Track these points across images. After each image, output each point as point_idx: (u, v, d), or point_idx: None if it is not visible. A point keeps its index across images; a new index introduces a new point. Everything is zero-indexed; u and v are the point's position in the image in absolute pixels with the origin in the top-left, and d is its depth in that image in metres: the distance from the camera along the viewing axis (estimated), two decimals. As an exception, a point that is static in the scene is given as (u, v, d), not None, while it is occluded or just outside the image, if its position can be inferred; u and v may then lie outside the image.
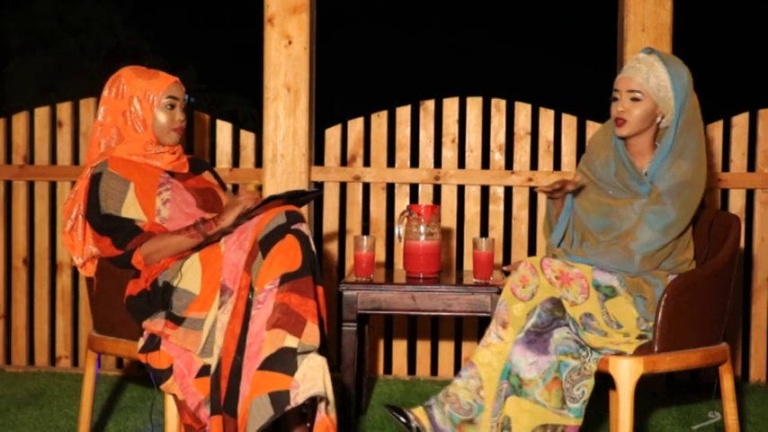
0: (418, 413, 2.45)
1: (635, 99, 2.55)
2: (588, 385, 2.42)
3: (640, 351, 2.42)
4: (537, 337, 2.46)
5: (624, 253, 2.49)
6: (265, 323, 2.22)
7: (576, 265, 2.52)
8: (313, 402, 2.24)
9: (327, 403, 2.22)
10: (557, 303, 2.47)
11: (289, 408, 2.14)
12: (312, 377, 2.16)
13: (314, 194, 2.60)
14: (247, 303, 2.28)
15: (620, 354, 2.42)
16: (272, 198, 2.41)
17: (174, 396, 2.37)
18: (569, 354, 2.46)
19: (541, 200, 3.82)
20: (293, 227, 2.33)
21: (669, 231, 2.50)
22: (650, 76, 2.54)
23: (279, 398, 2.14)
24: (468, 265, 3.78)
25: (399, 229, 3.06)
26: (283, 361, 2.17)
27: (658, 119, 2.58)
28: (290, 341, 2.19)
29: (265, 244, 2.30)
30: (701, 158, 2.56)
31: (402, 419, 2.44)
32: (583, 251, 2.55)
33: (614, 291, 2.50)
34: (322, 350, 2.25)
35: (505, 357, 2.46)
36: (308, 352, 2.20)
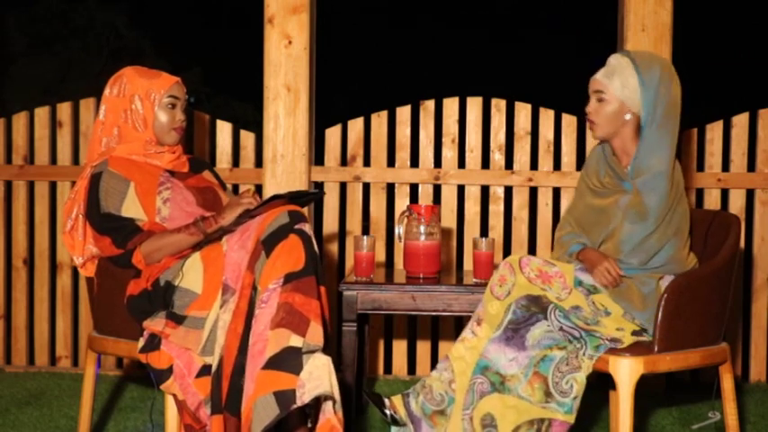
0: (396, 401, 2.57)
1: (600, 99, 2.59)
2: (578, 379, 2.42)
3: (640, 351, 2.43)
4: (514, 334, 2.50)
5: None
6: (269, 322, 2.22)
7: (557, 264, 2.57)
8: (316, 402, 2.24)
9: (335, 402, 2.22)
10: (533, 300, 2.50)
11: (294, 407, 2.13)
12: (318, 376, 2.16)
13: (316, 195, 2.60)
14: (250, 302, 2.28)
15: (615, 341, 2.43)
16: (275, 197, 2.41)
17: (174, 396, 2.37)
18: (554, 346, 2.47)
19: (541, 200, 3.82)
20: (296, 227, 2.33)
21: (647, 221, 2.50)
22: (614, 75, 2.56)
23: (284, 397, 2.14)
24: (468, 265, 3.78)
25: (399, 229, 3.06)
26: (288, 360, 2.17)
27: (627, 116, 2.58)
28: (295, 340, 2.19)
29: (268, 243, 2.30)
30: (673, 150, 2.56)
31: (379, 407, 2.56)
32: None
33: (597, 289, 2.55)
34: (325, 350, 2.25)
35: (479, 353, 2.52)
36: (312, 351, 2.20)
